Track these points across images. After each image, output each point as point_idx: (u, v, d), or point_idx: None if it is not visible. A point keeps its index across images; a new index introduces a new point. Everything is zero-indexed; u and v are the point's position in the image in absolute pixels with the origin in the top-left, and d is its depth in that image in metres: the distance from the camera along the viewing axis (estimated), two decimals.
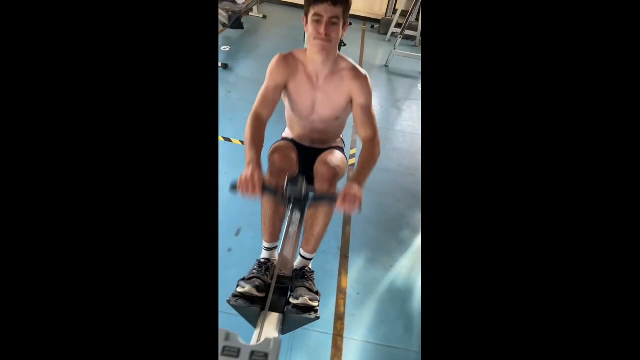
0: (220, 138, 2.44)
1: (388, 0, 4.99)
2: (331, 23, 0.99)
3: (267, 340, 0.51)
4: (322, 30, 0.99)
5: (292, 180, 1.01)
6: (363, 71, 1.12)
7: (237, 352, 0.48)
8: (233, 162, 2.24)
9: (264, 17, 4.80)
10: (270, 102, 1.10)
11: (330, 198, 1.00)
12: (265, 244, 1.18)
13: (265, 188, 0.95)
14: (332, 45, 1.03)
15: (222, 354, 0.49)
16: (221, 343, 0.50)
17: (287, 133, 1.32)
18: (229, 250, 1.70)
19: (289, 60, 1.11)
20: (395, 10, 4.69)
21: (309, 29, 1.02)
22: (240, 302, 1.03)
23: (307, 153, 1.23)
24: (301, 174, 1.12)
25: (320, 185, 1.10)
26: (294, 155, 1.17)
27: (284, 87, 1.13)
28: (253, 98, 1.11)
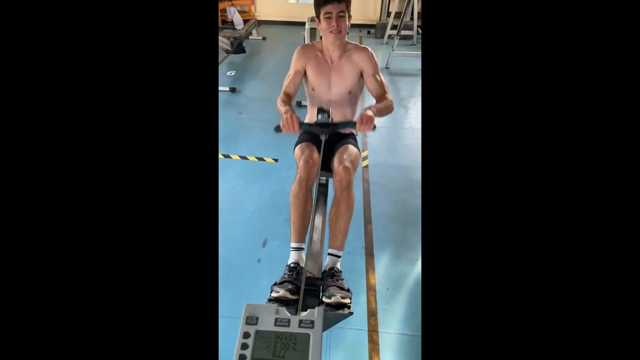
0: (236, 157, 2.55)
1: (381, 4, 5.09)
2: (339, 17, 1.28)
3: (312, 311, 0.57)
4: (333, 23, 1.27)
5: (321, 111, 1.23)
6: (365, 46, 1.40)
7: (287, 322, 0.55)
8: (250, 178, 2.34)
9: (264, 38, 4.99)
10: (294, 84, 1.39)
11: (350, 123, 1.24)
12: (293, 244, 1.23)
13: (302, 125, 1.20)
14: (342, 35, 1.31)
15: (276, 325, 0.56)
16: (272, 315, 0.57)
17: (307, 119, 1.51)
18: (259, 260, 1.77)
19: (307, 49, 1.41)
20: (389, 13, 4.79)
21: (323, 25, 1.31)
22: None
23: (325, 148, 1.33)
24: (326, 109, 1.27)
25: (337, 185, 1.19)
26: (315, 154, 1.31)
27: (304, 73, 1.40)
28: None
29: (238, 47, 4.11)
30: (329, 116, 1.21)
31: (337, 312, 1.08)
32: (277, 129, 1.21)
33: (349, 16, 1.32)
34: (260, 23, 5.27)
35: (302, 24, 5.15)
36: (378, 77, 1.38)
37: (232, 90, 3.51)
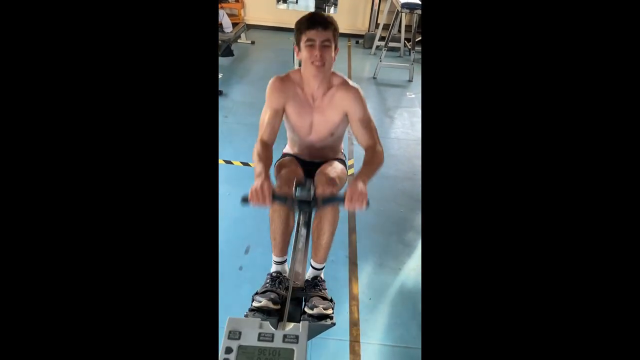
0: (221, 161, 2.51)
1: (370, 15, 5.18)
2: (323, 46, 1.07)
3: (296, 325, 0.56)
4: (316, 53, 1.06)
5: (300, 185, 1.07)
6: (353, 84, 1.17)
7: (271, 337, 0.54)
8: (235, 183, 2.30)
9: (252, 42, 4.97)
10: (273, 128, 1.17)
11: (337, 199, 1.04)
12: (276, 258, 1.21)
13: (275, 197, 1.00)
14: (326, 68, 1.09)
15: (259, 340, 0.54)
16: (256, 330, 0.56)
17: (288, 149, 1.39)
18: (240, 268, 1.74)
19: (285, 84, 1.17)
20: (377, 25, 4.87)
21: (303, 54, 1.09)
22: (258, 315, 1.06)
23: (308, 166, 1.30)
24: (305, 185, 1.17)
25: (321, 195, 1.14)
26: (299, 169, 1.25)
27: (283, 110, 1.18)
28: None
29: (226, 50, 4.07)
30: (309, 191, 1.04)
31: (320, 323, 1.07)
32: (244, 200, 0.99)
33: (336, 47, 1.11)
34: (250, 27, 5.25)
35: (291, 30, 5.18)
36: (367, 124, 1.16)
37: (219, 92, 3.47)
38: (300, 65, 1.16)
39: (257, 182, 1.00)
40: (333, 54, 1.11)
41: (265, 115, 1.18)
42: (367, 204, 0.98)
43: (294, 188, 1.11)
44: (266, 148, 1.14)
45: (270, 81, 1.18)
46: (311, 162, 1.32)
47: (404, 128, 3.15)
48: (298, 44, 1.11)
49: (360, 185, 0.99)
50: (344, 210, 1.07)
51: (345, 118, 1.18)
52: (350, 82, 1.18)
